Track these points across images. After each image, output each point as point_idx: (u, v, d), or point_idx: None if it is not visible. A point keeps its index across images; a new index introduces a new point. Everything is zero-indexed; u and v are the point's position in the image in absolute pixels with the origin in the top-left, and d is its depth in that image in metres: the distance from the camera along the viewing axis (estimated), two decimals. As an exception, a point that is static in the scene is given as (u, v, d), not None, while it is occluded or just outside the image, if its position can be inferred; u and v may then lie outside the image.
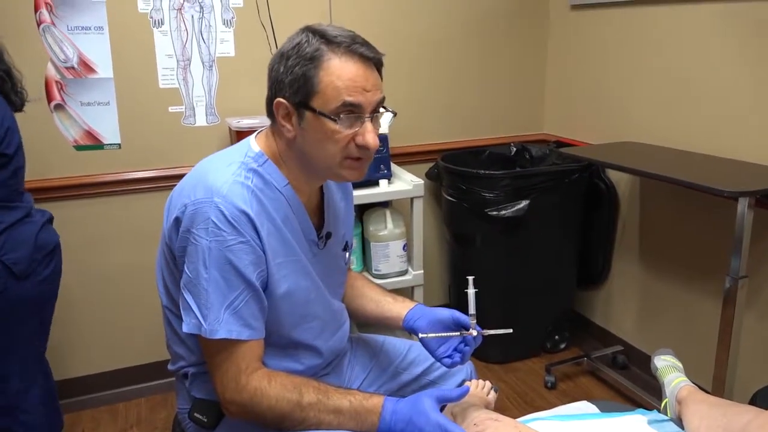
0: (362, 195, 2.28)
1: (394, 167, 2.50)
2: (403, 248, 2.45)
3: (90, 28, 2.18)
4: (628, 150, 2.29)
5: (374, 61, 1.12)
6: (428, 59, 2.69)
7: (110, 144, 2.30)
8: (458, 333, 1.30)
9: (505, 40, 2.81)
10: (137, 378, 2.49)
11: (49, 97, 2.19)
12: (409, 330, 1.36)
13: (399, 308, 1.39)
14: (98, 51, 2.21)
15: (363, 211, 2.50)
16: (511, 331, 1.27)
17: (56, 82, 2.19)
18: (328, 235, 1.29)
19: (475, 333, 1.28)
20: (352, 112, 1.09)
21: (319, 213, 1.29)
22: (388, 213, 2.45)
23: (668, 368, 1.39)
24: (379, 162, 2.29)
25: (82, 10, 2.16)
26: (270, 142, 1.19)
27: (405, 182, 2.40)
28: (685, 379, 1.34)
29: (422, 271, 2.46)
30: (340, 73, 1.08)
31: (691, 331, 2.29)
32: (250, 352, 1.12)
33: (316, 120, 1.09)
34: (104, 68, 2.23)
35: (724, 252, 2.10)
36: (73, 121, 2.24)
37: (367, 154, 1.14)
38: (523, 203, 2.41)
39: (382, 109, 1.15)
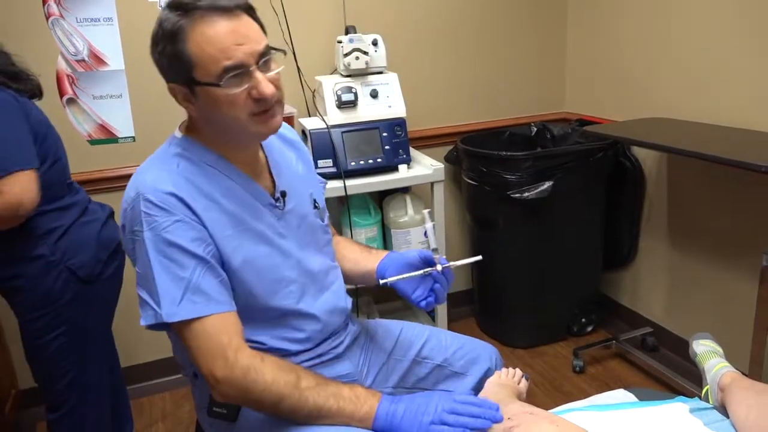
0: (381, 181, 2.23)
1: (412, 151, 2.44)
2: (425, 234, 2.39)
3: (99, 20, 2.15)
4: (654, 126, 2.21)
5: (241, 8, 1.09)
6: (444, 39, 2.62)
7: (124, 137, 2.27)
8: (421, 272, 1.26)
9: (522, 17, 2.72)
10: (159, 372, 2.48)
11: (61, 92, 2.16)
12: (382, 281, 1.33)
13: (372, 262, 1.37)
14: (108, 42, 2.17)
15: (382, 197, 2.45)
16: (480, 258, 1.25)
17: (67, 76, 2.15)
18: (284, 194, 1.26)
19: (440, 267, 1.26)
20: (236, 71, 1.06)
21: (269, 176, 1.27)
22: (408, 199, 2.40)
23: (708, 353, 1.34)
24: (398, 147, 2.24)
25: (90, 2, 2.12)
26: (190, 124, 1.20)
27: (424, 167, 2.34)
28: (727, 364, 1.28)
29: (445, 257, 2.41)
30: (205, 38, 1.05)
31: (724, 312, 2.22)
32: (227, 327, 1.08)
33: (207, 91, 1.08)
34: (115, 60, 2.19)
35: (758, 229, 2.03)
36: (86, 115, 2.21)
37: (268, 105, 1.11)
38: (547, 184, 2.34)
39: (272, 52, 1.12)
